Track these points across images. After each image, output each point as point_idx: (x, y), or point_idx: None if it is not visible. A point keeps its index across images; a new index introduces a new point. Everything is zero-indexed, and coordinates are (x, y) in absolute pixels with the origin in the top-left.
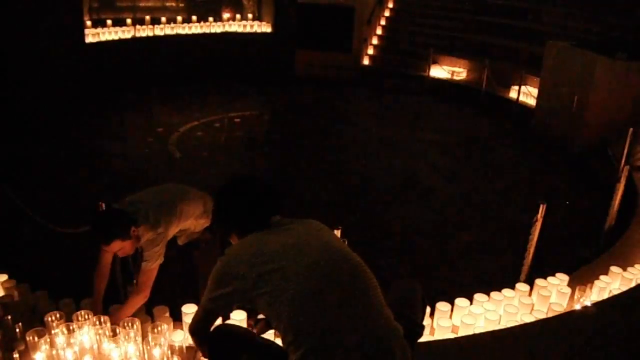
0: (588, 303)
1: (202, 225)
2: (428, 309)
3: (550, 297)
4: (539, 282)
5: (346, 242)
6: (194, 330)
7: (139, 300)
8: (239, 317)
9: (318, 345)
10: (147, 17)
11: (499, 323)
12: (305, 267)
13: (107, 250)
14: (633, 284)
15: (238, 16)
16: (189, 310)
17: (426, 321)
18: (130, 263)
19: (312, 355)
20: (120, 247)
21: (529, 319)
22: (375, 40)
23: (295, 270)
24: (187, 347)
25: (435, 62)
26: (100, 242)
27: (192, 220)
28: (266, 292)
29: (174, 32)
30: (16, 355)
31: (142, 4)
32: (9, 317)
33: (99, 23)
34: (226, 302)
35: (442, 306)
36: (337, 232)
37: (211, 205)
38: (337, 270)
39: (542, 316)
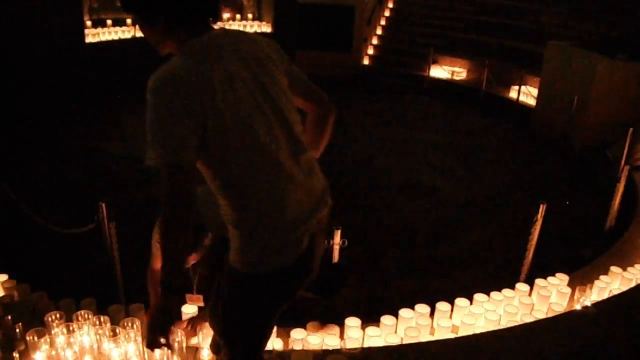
0: (588, 303)
1: None
2: (427, 309)
3: (550, 297)
4: (539, 282)
5: (346, 243)
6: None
7: None
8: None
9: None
10: None
11: (499, 323)
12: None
13: None
14: (633, 284)
15: (238, 16)
16: (189, 310)
17: (426, 321)
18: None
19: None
20: None
21: (529, 319)
22: (375, 40)
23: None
24: (187, 347)
25: (435, 62)
26: None
27: None
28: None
29: None
30: (16, 355)
31: None
32: (9, 317)
33: (99, 23)
34: (184, 133)
35: (442, 306)
36: (337, 232)
37: None
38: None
39: (542, 316)
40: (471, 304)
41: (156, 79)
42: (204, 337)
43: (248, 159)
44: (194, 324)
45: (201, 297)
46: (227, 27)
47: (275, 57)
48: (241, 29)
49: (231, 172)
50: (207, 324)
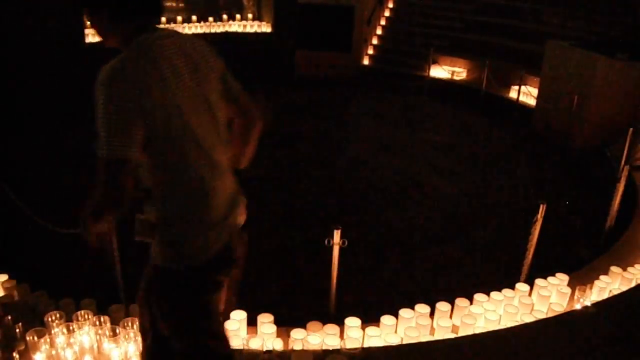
0: (588, 303)
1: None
2: (427, 309)
3: (550, 297)
4: (539, 282)
5: (346, 243)
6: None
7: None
8: (238, 318)
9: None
10: None
11: (499, 323)
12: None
13: None
14: (633, 284)
15: (238, 16)
16: None
17: (426, 321)
18: None
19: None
20: None
21: (529, 319)
22: (375, 40)
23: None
24: None
25: (435, 62)
26: None
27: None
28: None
29: None
30: (16, 355)
31: None
32: (9, 317)
33: None
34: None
35: (442, 306)
36: (337, 233)
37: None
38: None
39: (542, 316)
40: (471, 304)
41: (103, 74)
42: None
43: (186, 153)
44: None
45: None
46: (224, 27)
47: (213, 62)
48: (241, 29)
49: (168, 164)
50: None
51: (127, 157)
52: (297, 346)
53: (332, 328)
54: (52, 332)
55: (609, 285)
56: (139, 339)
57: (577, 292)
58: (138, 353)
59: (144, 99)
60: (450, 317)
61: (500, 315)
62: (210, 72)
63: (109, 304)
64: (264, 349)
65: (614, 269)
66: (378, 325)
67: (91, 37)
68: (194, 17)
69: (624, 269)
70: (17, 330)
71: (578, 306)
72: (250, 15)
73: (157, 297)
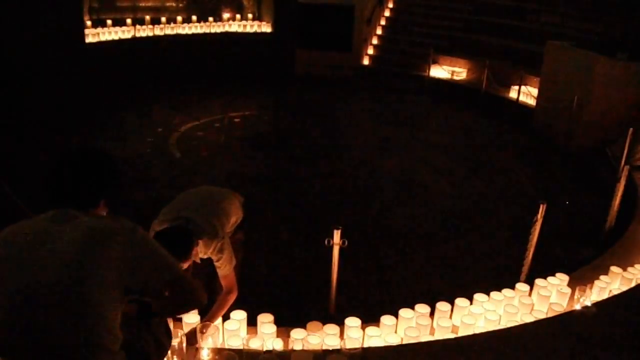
0: (588, 303)
1: (235, 224)
2: (427, 309)
3: (550, 297)
4: (539, 282)
5: (346, 243)
6: None
7: (230, 299)
8: (238, 318)
9: None
10: (147, 17)
11: (499, 323)
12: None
13: None
14: (633, 284)
15: (238, 16)
16: (191, 320)
17: (426, 321)
18: None
19: None
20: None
21: (529, 319)
22: (375, 40)
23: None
24: (186, 347)
25: (435, 62)
26: None
27: (234, 218)
28: None
29: (174, 32)
30: None
31: (142, 4)
32: None
33: (99, 23)
34: None
35: (442, 306)
36: (337, 233)
37: (240, 202)
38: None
39: (542, 316)
40: (471, 304)
41: None
42: (204, 338)
43: None
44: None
45: None
46: (224, 27)
47: (109, 251)
48: (241, 29)
49: None
50: (209, 325)
51: None
52: (297, 346)
53: (332, 328)
54: None
55: (609, 285)
56: None
57: (577, 292)
58: None
59: None
60: (450, 317)
61: (500, 315)
62: (100, 259)
63: None
64: (264, 349)
65: (614, 269)
66: (378, 325)
67: (91, 37)
68: (194, 17)
69: (624, 269)
70: None
71: (578, 306)
72: (250, 15)
73: None
